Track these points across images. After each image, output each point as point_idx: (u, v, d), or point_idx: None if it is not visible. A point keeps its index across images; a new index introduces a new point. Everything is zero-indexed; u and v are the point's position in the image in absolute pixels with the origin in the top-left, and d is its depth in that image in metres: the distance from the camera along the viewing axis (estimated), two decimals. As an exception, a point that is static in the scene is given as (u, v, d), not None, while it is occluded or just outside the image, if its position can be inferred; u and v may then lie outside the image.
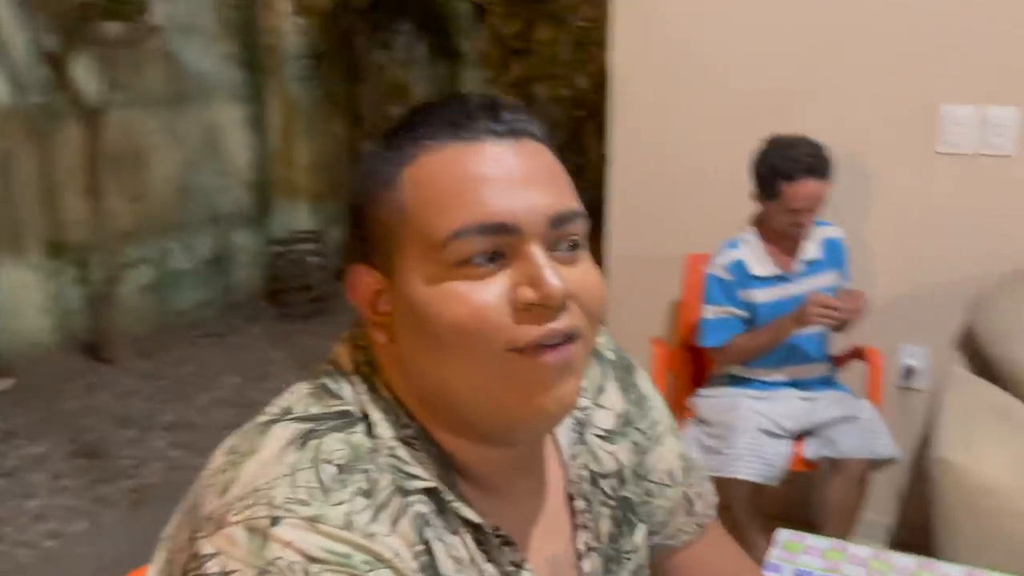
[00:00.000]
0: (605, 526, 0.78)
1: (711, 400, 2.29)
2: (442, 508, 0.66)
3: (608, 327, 0.95)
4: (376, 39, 5.33)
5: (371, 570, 0.57)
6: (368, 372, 0.69)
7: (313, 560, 0.56)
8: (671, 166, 2.57)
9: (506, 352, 0.62)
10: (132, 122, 4.27)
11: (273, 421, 0.65)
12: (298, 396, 0.67)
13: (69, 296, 4.14)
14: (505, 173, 0.63)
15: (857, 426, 2.09)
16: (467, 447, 0.68)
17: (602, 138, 2.72)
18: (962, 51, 2.23)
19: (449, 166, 0.64)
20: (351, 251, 0.70)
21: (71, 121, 3.87)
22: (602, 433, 0.81)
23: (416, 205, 0.64)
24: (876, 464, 2.12)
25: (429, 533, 0.63)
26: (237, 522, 0.58)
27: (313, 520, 0.57)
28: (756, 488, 2.12)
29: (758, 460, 2.05)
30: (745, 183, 2.20)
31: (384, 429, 0.65)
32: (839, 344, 2.35)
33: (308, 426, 0.63)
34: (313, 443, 0.62)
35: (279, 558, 0.56)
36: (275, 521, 0.57)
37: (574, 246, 0.66)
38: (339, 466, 0.61)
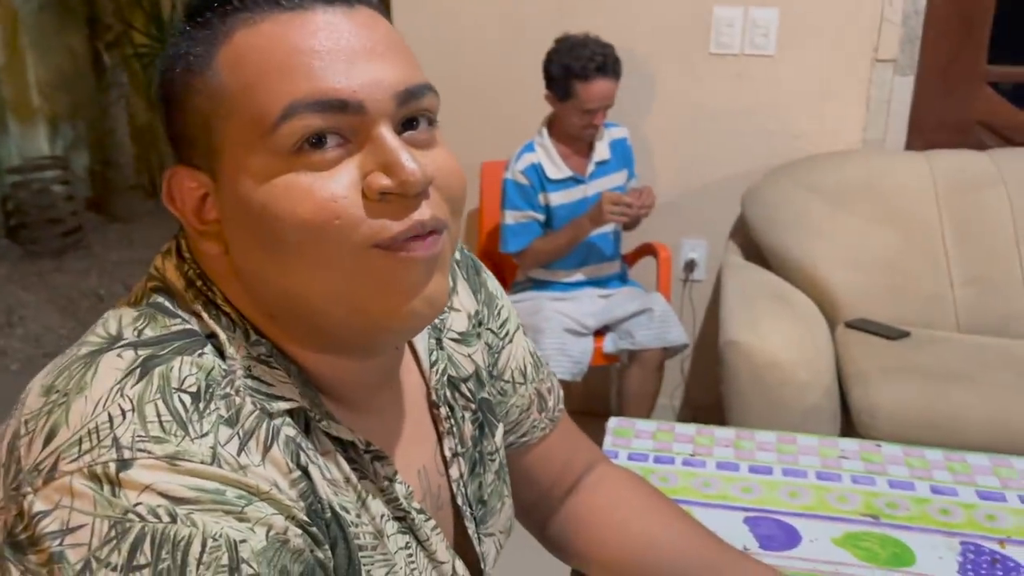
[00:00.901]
0: (468, 430, 0.75)
1: (515, 305, 2.31)
2: (308, 429, 0.59)
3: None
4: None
5: (247, 505, 0.50)
6: (203, 287, 0.59)
7: (180, 501, 0.48)
8: (459, 75, 2.51)
9: (365, 249, 0.54)
10: None
11: (100, 351, 0.54)
12: (126, 320, 0.57)
13: None
14: (340, 44, 0.54)
15: (652, 318, 2.21)
16: (324, 361, 0.61)
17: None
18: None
19: (273, 40, 0.54)
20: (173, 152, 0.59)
21: None
22: (457, 336, 0.77)
23: (237, 88, 0.54)
24: (670, 352, 2.26)
25: (303, 457, 0.57)
26: (73, 471, 0.48)
27: (173, 458, 0.49)
28: (563, 386, 2.18)
29: (566, 359, 2.12)
30: (534, 87, 2.20)
31: (235, 348, 0.57)
32: (629, 243, 2.45)
33: (147, 351, 0.54)
34: (158, 370, 0.53)
35: (138, 504, 0.47)
36: (124, 464, 0.48)
37: (429, 123, 0.59)
38: (192, 394, 0.52)
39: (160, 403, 0.51)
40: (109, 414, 0.50)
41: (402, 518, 0.64)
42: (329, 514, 0.58)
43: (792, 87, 2.39)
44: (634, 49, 2.39)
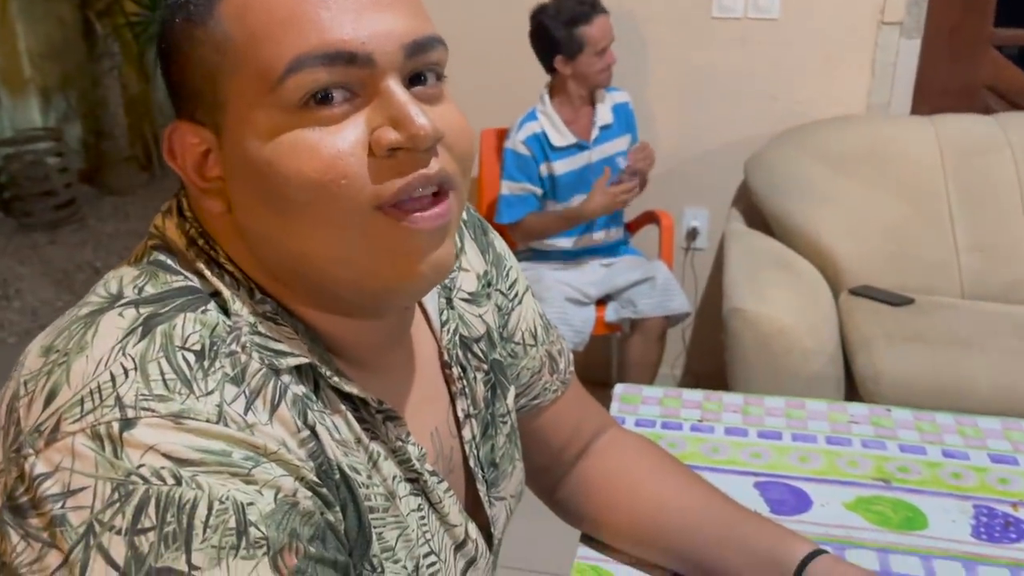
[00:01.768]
0: (480, 391, 0.73)
1: (516, 274, 2.30)
2: (317, 387, 0.57)
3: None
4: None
5: (255, 466, 0.48)
6: (204, 246, 0.57)
7: (185, 463, 0.46)
8: (457, 40, 2.46)
9: (371, 211, 0.52)
10: None
11: (100, 310, 0.52)
12: (127, 279, 0.55)
13: None
14: None
15: (654, 287, 2.19)
16: (331, 320, 0.59)
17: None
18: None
19: None
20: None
21: None
22: (467, 296, 0.75)
23: (242, 39, 0.52)
24: (673, 320, 2.24)
25: (311, 416, 0.55)
26: (76, 431, 0.46)
27: (178, 416, 0.47)
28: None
29: (568, 328, 2.10)
30: (533, 53, 2.16)
31: (240, 305, 0.55)
32: (631, 211, 2.43)
33: (149, 309, 0.52)
34: (160, 328, 0.51)
35: (141, 466, 0.45)
36: (128, 423, 0.46)
37: (438, 78, 0.57)
38: (196, 352, 0.50)
39: (163, 361, 0.49)
40: (111, 373, 0.48)
41: (414, 480, 0.63)
42: (338, 475, 0.56)
43: (796, 51, 2.35)
44: (635, 12, 2.35)
